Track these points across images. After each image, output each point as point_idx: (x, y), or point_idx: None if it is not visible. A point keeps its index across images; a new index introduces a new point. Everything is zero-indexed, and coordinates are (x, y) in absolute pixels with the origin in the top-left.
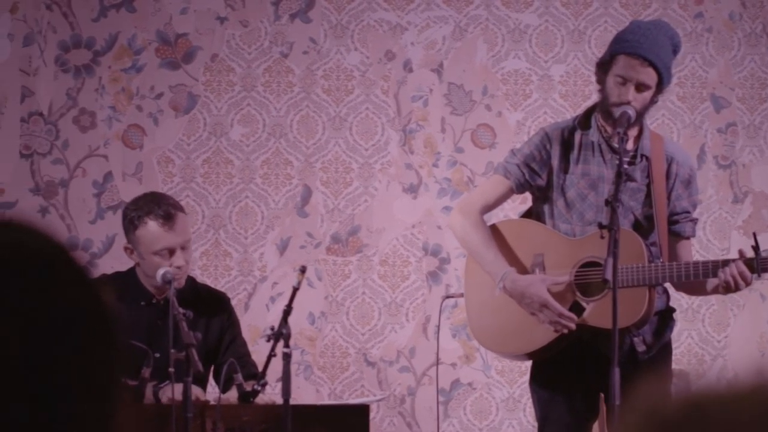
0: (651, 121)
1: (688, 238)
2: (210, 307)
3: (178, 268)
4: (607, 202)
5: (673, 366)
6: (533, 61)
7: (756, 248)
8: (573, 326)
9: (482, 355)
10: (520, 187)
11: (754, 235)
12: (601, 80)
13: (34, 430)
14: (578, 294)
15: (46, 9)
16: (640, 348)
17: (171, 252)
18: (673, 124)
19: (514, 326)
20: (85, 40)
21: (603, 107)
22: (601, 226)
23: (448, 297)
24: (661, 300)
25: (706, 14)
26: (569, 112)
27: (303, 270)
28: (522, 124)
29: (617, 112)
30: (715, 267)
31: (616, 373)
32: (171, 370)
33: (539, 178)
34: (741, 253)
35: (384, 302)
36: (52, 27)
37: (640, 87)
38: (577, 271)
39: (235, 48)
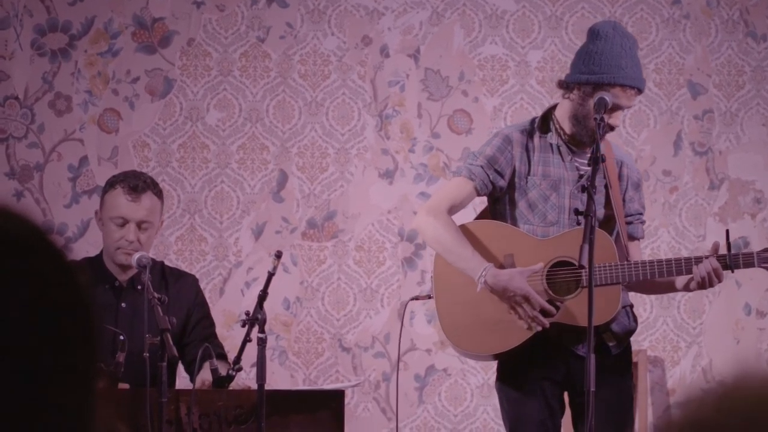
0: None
1: (638, 239)
2: (177, 288)
3: (128, 241)
4: (583, 188)
5: (648, 353)
6: (510, 47)
7: (728, 245)
8: (547, 324)
9: None
10: (483, 188)
11: (727, 232)
12: (583, 96)
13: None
14: (551, 293)
15: None
16: (611, 343)
17: (125, 223)
18: (650, 111)
19: (488, 326)
20: (61, 23)
21: (581, 122)
22: (577, 212)
23: (414, 299)
24: (624, 295)
25: (684, 1)
26: (546, 98)
27: (279, 255)
28: (499, 110)
29: (593, 126)
30: (688, 264)
31: (592, 359)
32: (146, 354)
33: (502, 179)
34: (714, 249)
35: (359, 288)
36: (29, 11)
37: (626, 108)
38: (548, 271)
39: (212, 32)
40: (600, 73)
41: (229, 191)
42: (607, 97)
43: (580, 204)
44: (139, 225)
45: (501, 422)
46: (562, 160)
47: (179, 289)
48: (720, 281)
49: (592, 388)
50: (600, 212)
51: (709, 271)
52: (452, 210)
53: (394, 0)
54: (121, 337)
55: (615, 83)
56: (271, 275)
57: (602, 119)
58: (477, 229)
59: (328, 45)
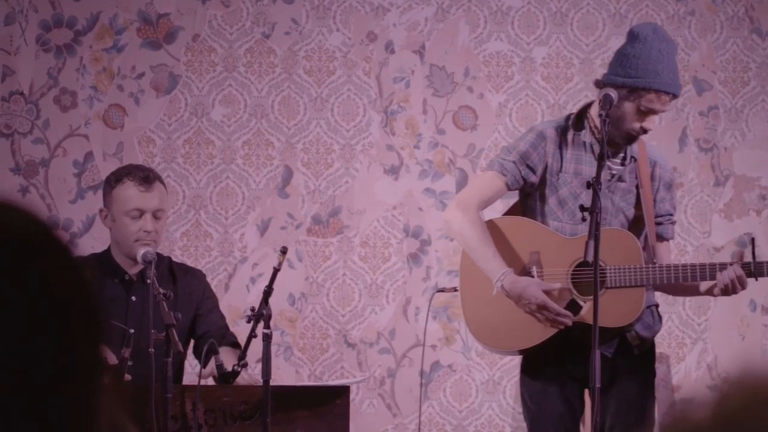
0: None
1: (668, 240)
2: (185, 284)
3: (146, 232)
4: (588, 185)
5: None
6: (515, 43)
7: (753, 252)
8: (570, 323)
9: (462, 338)
10: (514, 184)
11: (753, 240)
12: (618, 98)
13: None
14: (575, 292)
15: None
16: (634, 343)
17: (141, 214)
18: None
19: (512, 323)
20: (66, 19)
21: (615, 124)
22: (582, 208)
23: (439, 291)
24: (648, 295)
25: None
26: (551, 94)
27: (284, 251)
28: (504, 106)
29: (630, 132)
30: (712, 270)
31: (597, 355)
32: (151, 350)
33: (533, 175)
34: (739, 256)
35: (364, 284)
36: (34, 6)
37: (661, 113)
38: (573, 270)
39: (217, 28)
40: (635, 77)
41: (235, 187)
42: (612, 94)
43: (610, 204)
44: (154, 214)
45: (505, 418)
46: (595, 158)
47: (187, 283)
48: (743, 288)
49: (598, 385)
50: (630, 212)
51: (733, 279)
52: (482, 205)
53: None
54: (132, 331)
55: (650, 88)
56: (276, 271)
57: (608, 115)
58: (504, 225)
59: (333, 41)
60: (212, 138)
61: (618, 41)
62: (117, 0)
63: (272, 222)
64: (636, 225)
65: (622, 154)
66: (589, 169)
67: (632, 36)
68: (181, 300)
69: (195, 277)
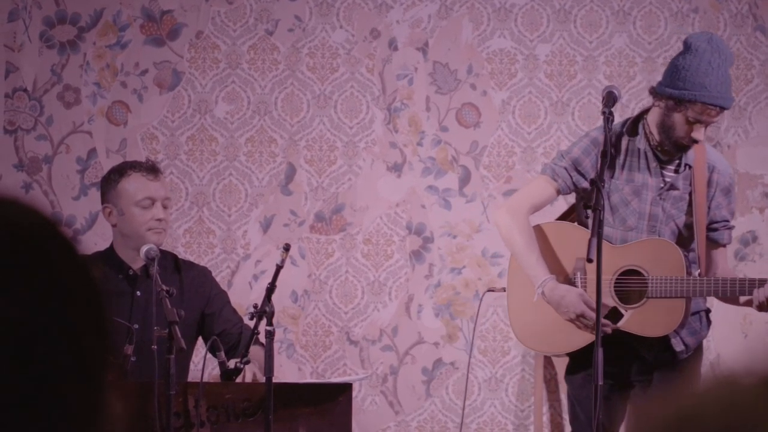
0: (637, 102)
1: (724, 245)
2: (191, 280)
3: (159, 221)
4: (592, 182)
5: None
6: (519, 41)
7: None
8: (609, 331)
9: (465, 335)
10: (565, 189)
11: None
12: (668, 108)
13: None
14: (616, 300)
15: None
16: (679, 348)
17: (152, 203)
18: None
19: (554, 327)
20: (70, 16)
21: (666, 132)
22: (586, 206)
23: (489, 290)
24: (697, 301)
25: None
26: (554, 92)
27: (287, 248)
28: (507, 104)
29: (679, 141)
30: (751, 286)
31: (600, 353)
32: (154, 347)
33: (585, 181)
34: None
35: (367, 281)
36: (37, 3)
37: (710, 123)
38: (617, 278)
39: (220, 25)
40: (683, 89)
41: (238, 184)
42: (615, 91)
43: (661, 211)
44: (163, 203)
45: (507, 416)
46: (648, 166)
47: (193, 279)
48: None
49: (600, 382)
50: (681, 220)
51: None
52: (532, 209)
53: None
54: (136, 326)
55: (696, 101)
56: (279, 268)
57: (611, 113)
58: (551, 230)
59: (337, 38)
60: (215, 135)
61: (621, 39)
62: None
63: (275, 219)
64: (689, 232)
65: (677, 161)
66: (642, 176)
67: (685, 46)
68: (186, 296)
69: (201, 273)
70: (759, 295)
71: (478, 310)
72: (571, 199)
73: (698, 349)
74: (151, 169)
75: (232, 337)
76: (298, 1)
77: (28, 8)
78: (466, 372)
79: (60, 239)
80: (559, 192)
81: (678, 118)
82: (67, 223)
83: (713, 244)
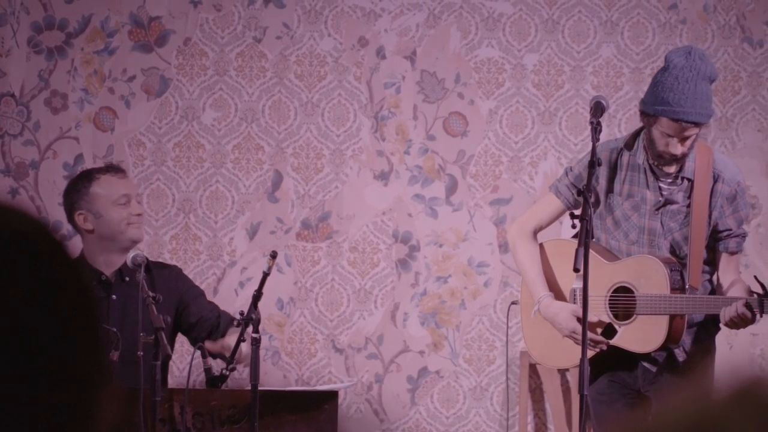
0: (624, 112)
1: (732, 253)
2: (163, 281)
3: (137, 215)
4: (579, 192)
5: None
6: (506, 50)
7: (763, 287)
8: (604, 347)
9: (450, 344)
10: (570, 206)
11: (756, 279)
12: (647, 123)
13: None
14: (610, 317)
15: None
16: (681, 358)
17: (129, 199)
18: None
19: (557, 343)
20: (58, 21)
21: (650, 147)
22: (572, 216)
23: (513, 303)
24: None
25: (680, 5)
26: (542, 101)
27: (274, 255)
28: (494, 113)
29: (661, 155)
30: (725, 303)
31: (586, 363)
32: (140, 353)
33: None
34: (748, 292)
35: (353, 289)
36: (25, 8)
37: (686, 138)
38: (611, 295)
39: (208, 32)
40: (651, 104)
41: (224, 191)
42: (603, 101)
43: (659, 225)
44: (137, 198)
45: (492, 425)
46: (646, 180)
47: (165, 277)
48: (747, 326)
49: (586, 392)
50: (680, 233)
51: (733, 316)
52: (538, 227)
53: (391, 2)
54: (115, 329)
55: (658, 116)
56: (266, 275)
57: (598, 123)
58: (553, 248)
59: (325, 46)
60: (202, 141)
61: (608, 49)
62: (109, 3)
63: (261, 226)
64: (688, 245)
65: (674, 174)
66: (641, 191)
67: (664, 61)
68: (161, 294)
69: (172, 272)
70: (725, 314)
71: (508, 320)
72: None
73: (707, 353)
74: (117, 169)
75: (210, 322)
76: (287, 9)
77: (16, 13)
78: (453, 381)
79: (52, 243)
80: (565, 208)
81: (655, 132)
82: (54, 229)
83: (720, 253)
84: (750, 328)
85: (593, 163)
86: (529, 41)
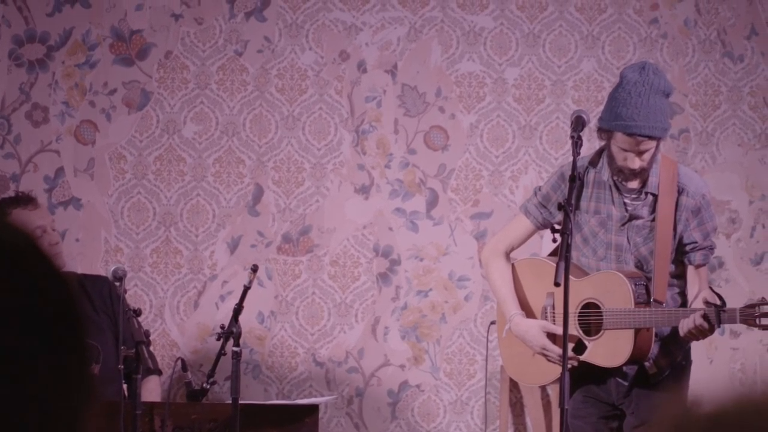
0: None
1: (698, 266)
2: (95, 291)
3: (54, 245)
4: (560, 206)
5: None
6: (487, 64)
7: (721, 300)
8: (575, 363)
9: (431, 358)
10: (540, 225)
11: (713, 290)
12: (602, 138)
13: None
14: (580, 333)
15: (0, 2)
16: (651, 371)
17: (43, 231)
18: None
19: (530, 360)
20: (39, 34)
21: (609, 162)
22: (553, 230)
23: (492, 323)
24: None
25: (662, 20)
26: (522, 116)
27: (255, 269)
28: (475, 127)
29: (620, 170)
30: (685, 315)
31: (566, 377)
32: (120, 367)
33: (554, 217)
34: (705, 303)
35: (334, 302)
36: (7, 21)
37: (643, 152)
38: (580, 311)
39: (190, 45)
40: (606, 120)
41: (205, 204)
42: (584, 115)
43: (626, 241)
44: (51, 227)
45: None
46: (612, 196)
47: (95, 286)
48: (705, 337)
49: (567, 406)
50: (646, 248)
51: (690, 328)
52: (510, 246)
53: (372, 15)
54: (95, 343)
55: (611, 130)
56: (246, 289)
57: (579, 137)
58: (523, 267)
59: (306, 59)
60: (183, 155)
61: (589, 63)
62: (90, 16)
63: (242, 240)
64: (653, 258)
65: (637, 190)
66: (607, 207)
67: (619, 78)
68: (97, 304)
69: (100, 281)
70: (683, 326)
71: (487, 337)
72: None
73: (679, 366)
74: (29, 200)
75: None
76: (268, 23)
77: None
78: (434, 395)
79: (40, 256)
80: (536, 227)
81: (613, 148)
82: None
83: (689, 266)
84: (730, 343)
85: (574, 178)
86: (510, 55)
